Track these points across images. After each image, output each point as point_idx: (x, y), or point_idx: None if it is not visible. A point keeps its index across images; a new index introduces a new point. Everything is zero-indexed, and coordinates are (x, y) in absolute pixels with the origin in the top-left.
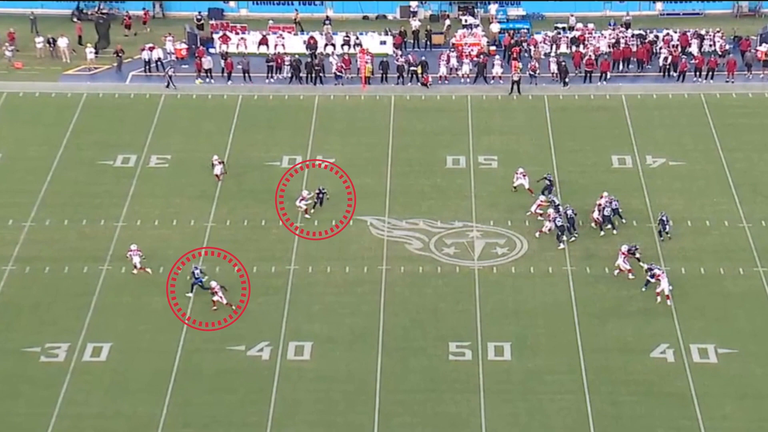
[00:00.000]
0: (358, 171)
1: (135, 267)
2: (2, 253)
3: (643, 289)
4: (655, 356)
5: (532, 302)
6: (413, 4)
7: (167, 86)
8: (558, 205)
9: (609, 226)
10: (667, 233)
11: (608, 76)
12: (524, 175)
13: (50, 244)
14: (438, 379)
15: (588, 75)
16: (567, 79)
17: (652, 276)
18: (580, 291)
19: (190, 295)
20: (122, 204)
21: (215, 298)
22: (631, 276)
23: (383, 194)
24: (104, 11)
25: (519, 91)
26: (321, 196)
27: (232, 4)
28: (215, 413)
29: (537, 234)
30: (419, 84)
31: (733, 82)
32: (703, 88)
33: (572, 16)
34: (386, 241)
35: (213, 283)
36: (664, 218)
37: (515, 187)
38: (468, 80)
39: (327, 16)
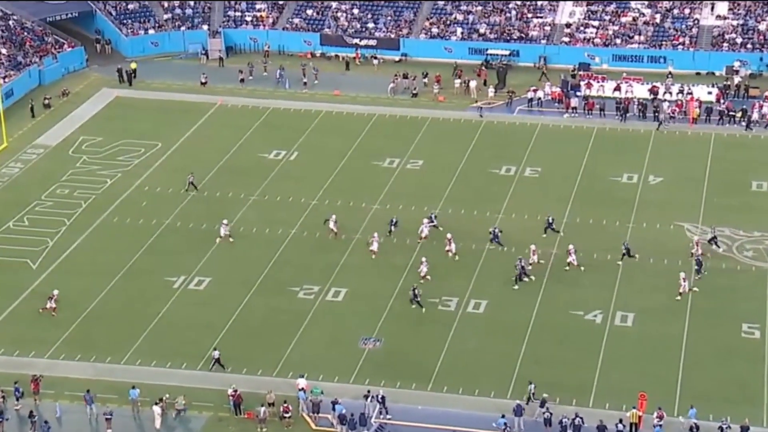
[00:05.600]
0: (679, 187)
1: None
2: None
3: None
4: None
5: None
6: (737, 64)
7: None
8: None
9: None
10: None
11: None
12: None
13: (452, 224)
14: (731, 350)
15: None
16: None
17: None
18: None
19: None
20: (503, 200)
21: (48, 304)
22: None
23: (699, 206)
24: (504, 63)
25: None
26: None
27: (597, 59)
28: (562, 357)
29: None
30: (736, 125)
31: None
32: None
33: None
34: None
35: (55, 292)
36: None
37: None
38: None
39: (670, 71)
